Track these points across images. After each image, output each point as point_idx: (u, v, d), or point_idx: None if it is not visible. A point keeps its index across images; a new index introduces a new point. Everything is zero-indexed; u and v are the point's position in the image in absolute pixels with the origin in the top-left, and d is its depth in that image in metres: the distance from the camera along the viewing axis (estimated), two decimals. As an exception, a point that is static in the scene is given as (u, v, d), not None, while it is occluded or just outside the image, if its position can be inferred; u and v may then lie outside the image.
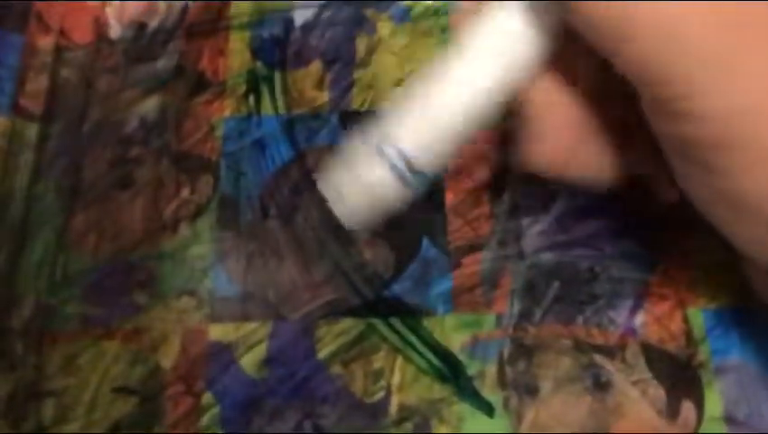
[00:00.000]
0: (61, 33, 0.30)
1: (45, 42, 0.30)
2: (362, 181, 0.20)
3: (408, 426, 0.23)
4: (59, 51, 0.30)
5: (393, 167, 0.20)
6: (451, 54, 0.20)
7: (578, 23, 0.18)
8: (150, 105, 0.29)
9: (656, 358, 0.23)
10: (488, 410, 0.23)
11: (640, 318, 0.24)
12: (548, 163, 0.20)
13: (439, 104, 0.20)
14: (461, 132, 0.20)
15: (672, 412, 0.22)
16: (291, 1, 0.30)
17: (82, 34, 0.30)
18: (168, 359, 0.24)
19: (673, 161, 0.18)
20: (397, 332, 0.24)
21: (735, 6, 0.16)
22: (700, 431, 0.22)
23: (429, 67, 0.20)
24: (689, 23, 0.16)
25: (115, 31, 0.30)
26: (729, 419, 0.22)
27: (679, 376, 0.23)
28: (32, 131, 0.28)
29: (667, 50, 0.16)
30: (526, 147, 0.20)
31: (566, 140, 0.20)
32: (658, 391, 0.23)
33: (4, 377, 0.24)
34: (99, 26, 0.30)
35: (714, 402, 0.22)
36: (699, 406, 0.22)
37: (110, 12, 0.30)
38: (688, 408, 0.22)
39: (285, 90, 0.28)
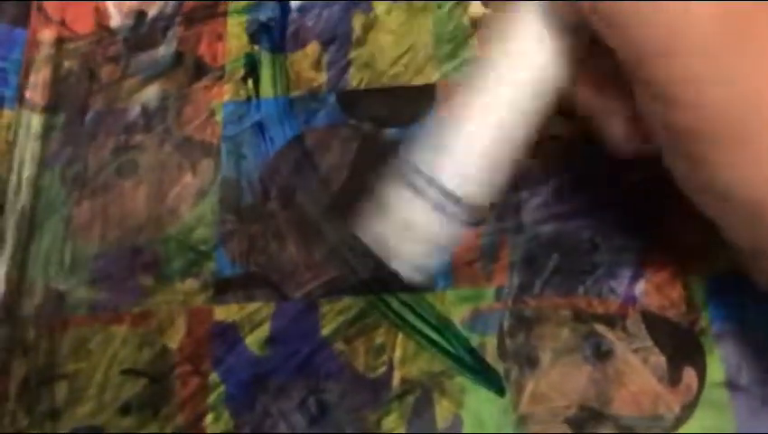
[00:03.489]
0: (62, 24, 0.30)
1: (47, 34, 0.30)
2: (408, 227, 0.19)
3: (410, 399, 0.23)
4: (60, 42, 0.30)
5: (437, 206, 0.19)
6: (483, 79, 0.19)
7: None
8: (151, 92, 0.29)
9: (657, 326, 0.23)
10: (489, 382, 0.23)
11: (640, 287, 0.24)
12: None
13: (477, 130, 0.19)
14: (503, 156, 0.19)
15: (674, 379, 0.22)
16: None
17: (83, 25, 0.30)
18: (174, 340, 0.25)
19: (662, 147, 0.19)
20: (397, 308, 0.24)
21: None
22: (702, 397, 0.22)
23: (458, 96, 0.19)
24: (694, 11, 0.16)
25: (115, 20, 0.30)
26: (731, 384, 0.22)
27: (680, 343, 0.23)
28: (36, 122, 0.28)
29: (668, 31, 0.16)
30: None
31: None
32: (659, 359, 0.23)
33: (17, 362, 0.25)
34: (100, 16, 0.30)
35: (715, 368, 0.22)
36: (701, 372, 0.22)
37: (110, 1, 0.31)
38: (689, 374, 0.22)
39: (284, 73, 0.28)
